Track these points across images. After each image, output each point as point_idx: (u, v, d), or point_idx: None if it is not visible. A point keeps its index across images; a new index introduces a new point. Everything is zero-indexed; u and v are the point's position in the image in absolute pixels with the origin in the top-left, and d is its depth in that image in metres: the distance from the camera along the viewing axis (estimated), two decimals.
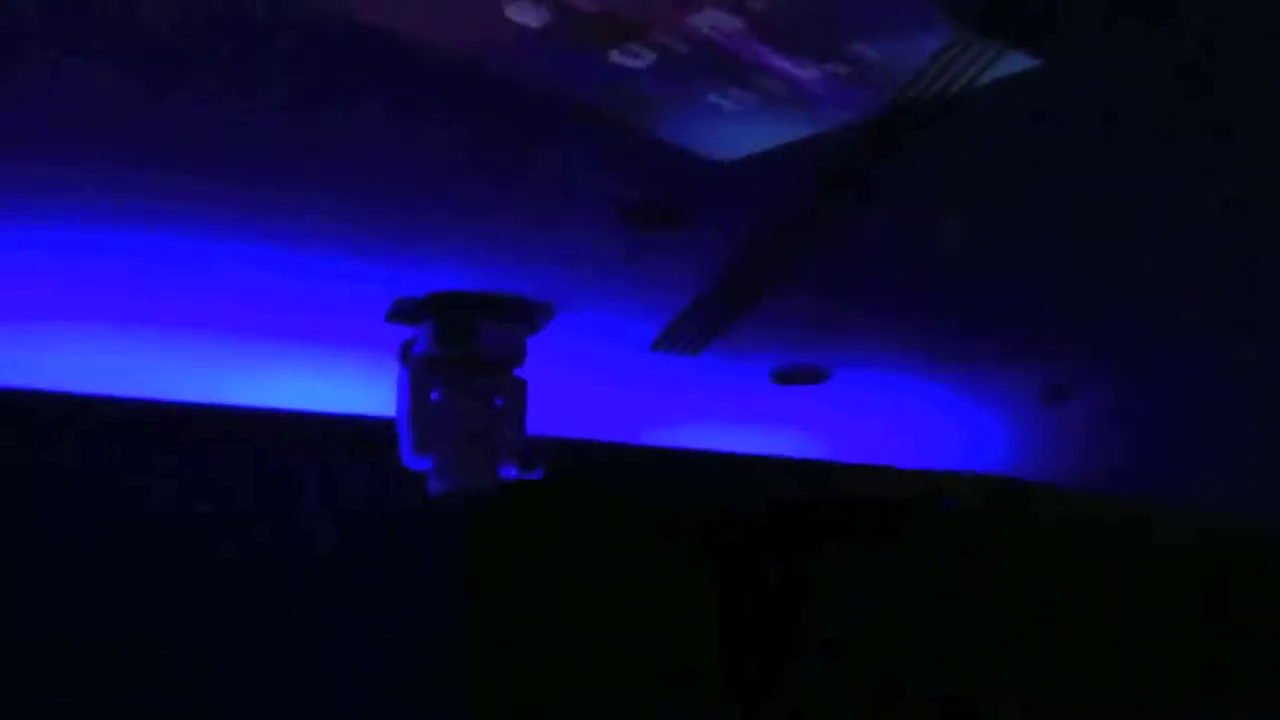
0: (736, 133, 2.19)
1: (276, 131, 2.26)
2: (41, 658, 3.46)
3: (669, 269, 2.81)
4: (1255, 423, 3.68)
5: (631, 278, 2.88)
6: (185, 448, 3.57)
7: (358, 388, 3.31)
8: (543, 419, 3.21)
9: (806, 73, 1.99)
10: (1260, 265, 2.85)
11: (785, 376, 3.46)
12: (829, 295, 3.00)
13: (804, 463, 4.01)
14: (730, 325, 3.11)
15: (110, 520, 3.54)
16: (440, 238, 2.73)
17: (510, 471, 3.21)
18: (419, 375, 3.12)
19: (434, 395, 3.14)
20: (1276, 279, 2.88)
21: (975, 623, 4.35)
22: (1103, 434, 3.79)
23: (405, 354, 3.13)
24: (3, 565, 3.45)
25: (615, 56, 1.96)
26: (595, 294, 3.00)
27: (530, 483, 3.24)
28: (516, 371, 3.19)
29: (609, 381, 3.52)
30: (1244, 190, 2.52)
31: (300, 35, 1.95)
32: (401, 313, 3.06)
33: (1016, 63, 1.97)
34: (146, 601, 3.57)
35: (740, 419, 3.77)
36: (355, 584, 3.76)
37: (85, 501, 3.54)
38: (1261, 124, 2.25)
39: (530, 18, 1.85)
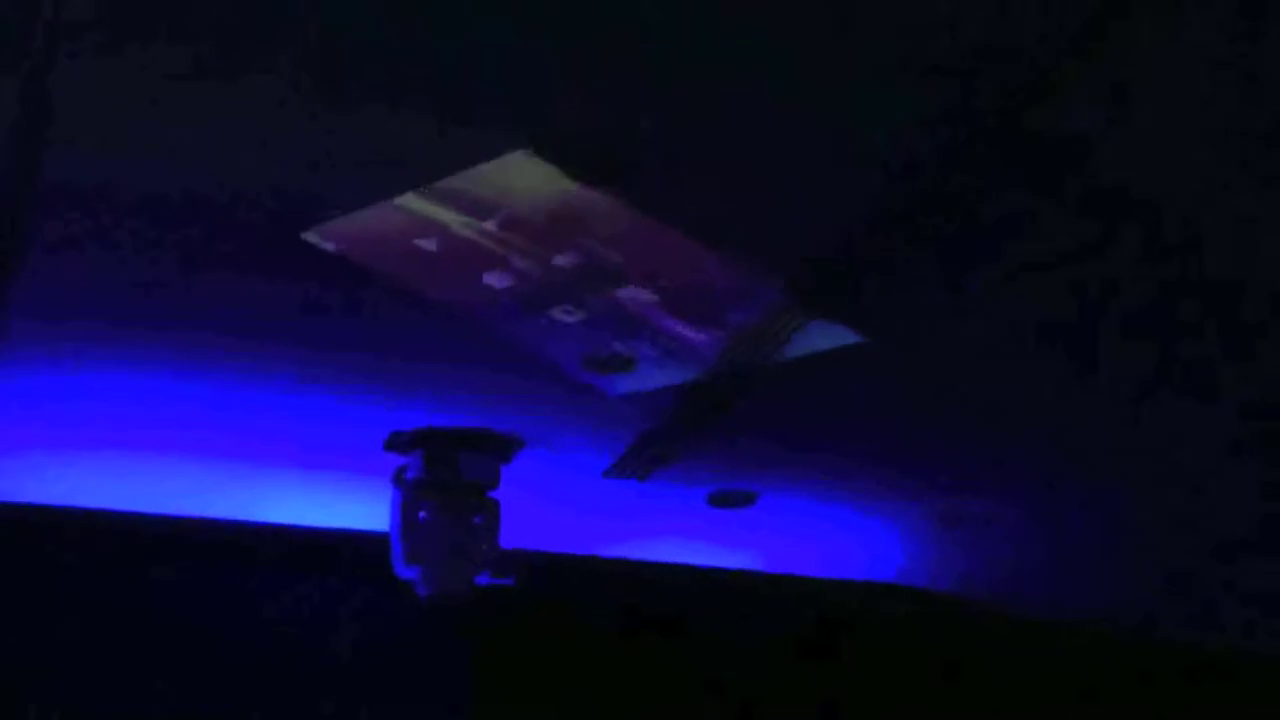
0: (648, 373, 2.75)
1: (291, 313, 2.66)
2: None
3: (618, 413, 3.09)
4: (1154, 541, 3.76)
5: (586, 419, 3.15)
6: (214, 557, 3.75)
7: (361, 507, 3.55)
8: (513, 535, 3.42)
9: (696, 334, 2.54)
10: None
11: (719, 499, 3.62)
12: (754, 434, 3.24)
13: (735, 572, 4.11)
14: (671, 457, 3.33)
15: (146, 625, 3.70)
16: (428, 387, 3.06)
17: (485, 578, 3.39)
18: (409, 497, 3.32)
19: (421, 514, 3.32)
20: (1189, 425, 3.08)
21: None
22: (1001, 552, 3.93)
23: (398, 478, 3.35)
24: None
25: (554, 312, 2.51)
26: (556, 431, 3.26)
27: (505, 589, 3.42)
28: (491, 494, 3.36)
29: (569, 503, 3.69)
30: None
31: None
32: (395, 444, 3.29)
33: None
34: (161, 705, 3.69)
35: (681, 535, 3.93)
36: (364, 677, 3.88)
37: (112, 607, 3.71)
38: None
39: (499, 281, 2.36)
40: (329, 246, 2.31)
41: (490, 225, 2.27)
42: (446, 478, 3.31)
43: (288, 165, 2.17)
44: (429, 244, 2.33)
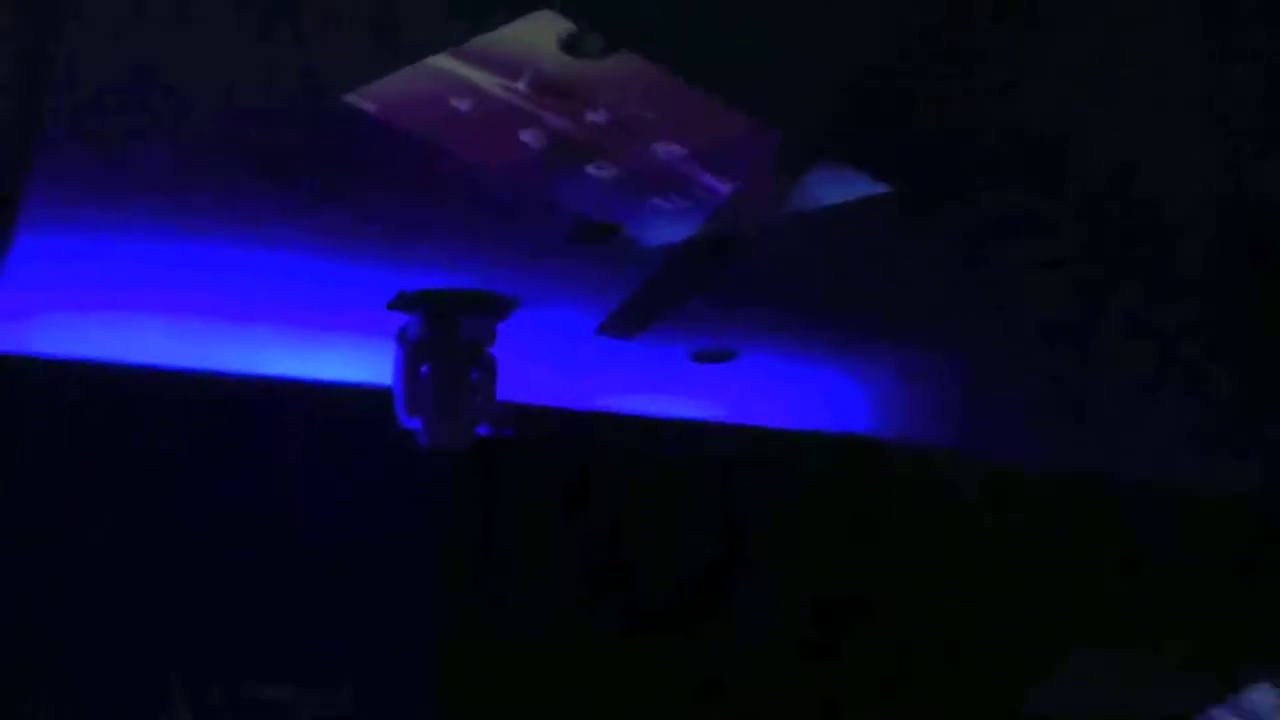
0: (668, 226, 2.85)
1: (301, 183, 2.77)
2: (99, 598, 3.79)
3: (609, 275, 3.21)
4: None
5: (579, 281, 3.27)
6: (229, 408, 3.90)
7: (364, 362, 3.68)
8: (509, 389, 3.58)
9: (722, 185, 2.66)
10: None
11: (701, 356, 3.77)
12: (735, 296, 3.37)
13: (717, 424, 4.28)
14: (658, 317, 3.46)
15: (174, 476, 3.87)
16: (429, 251, 3.17)
17: (483, 430, 3.56)
18: (411, 354, 3.46)
19: (423, 370, 3.46)
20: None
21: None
22: (958, 403, 4.03)
23: (401, 337, 3.48)
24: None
25: (589, 169, 2.58)
26: (550, 291, 3.36)
27: (502, 440, 3.62)
28: (488, 350, 3.51)
29: (562, 359, 3.82)
30: None
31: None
32: (398, 304, 3.41)
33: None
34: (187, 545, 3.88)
35: (666, 390, 4.09)
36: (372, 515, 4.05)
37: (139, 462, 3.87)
38: None
39: (534, 139, 2.45)
40: (361, 105, 2.36)
41: (515, 85, 2.31)
42: (446, 336, 3.45)
43: (308, 40, 2.23)
44: (452, 104, 2.37)
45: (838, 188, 2.74)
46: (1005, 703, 4.28)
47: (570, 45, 2.24)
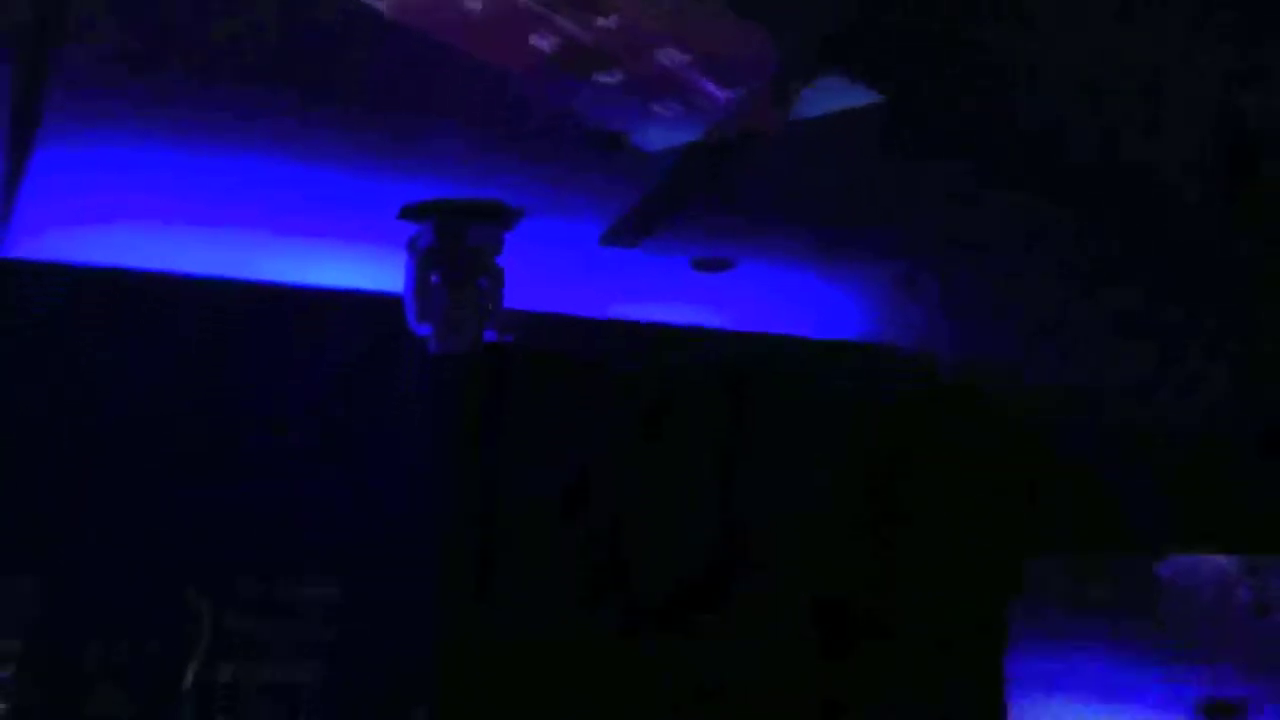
0: (671, 133, 2.93)
1: (315, 97, 2.83)
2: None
3: (613, 185, 3.28)
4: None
5: (584, 191, 3.33)
6: (250, 314, 4.02)
7: (379, 270, 3.79)
8: (516, 297, 3.67)
9: (723, 93, 2.75)
10: None
11: (701, 265, 3.85)
12: (733, 206, 3.44)
13: (711, 330, 4.37)
14: (660, 226, 3.53)
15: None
16: (438, 163, 3.23)
17: (491, 336, 3.66)
18: (422, 262, 3.53)
19: (433, 278, 3.53)
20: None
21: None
22: (945, 311, 4.15)
23: (412, 246, 3.55)
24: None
25: (596, 75, 2.65)
26: (556, 201, 3.42)
27: (509, 345, 3.75)
28: (496, 259, 3.58)
29: (567, 268, 3.89)
30: None
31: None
32: (409, 215, 3.49)
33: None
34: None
35: (667, 298, 4.17)
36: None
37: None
38: None
39: (545, 44, 2.51)
40: (373, 4, 2.39)
41: None
42: (455, 245, 3.52)
43: None
44: (463, 6, 2.40)
45: (835, 98, 2.80)
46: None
47: None
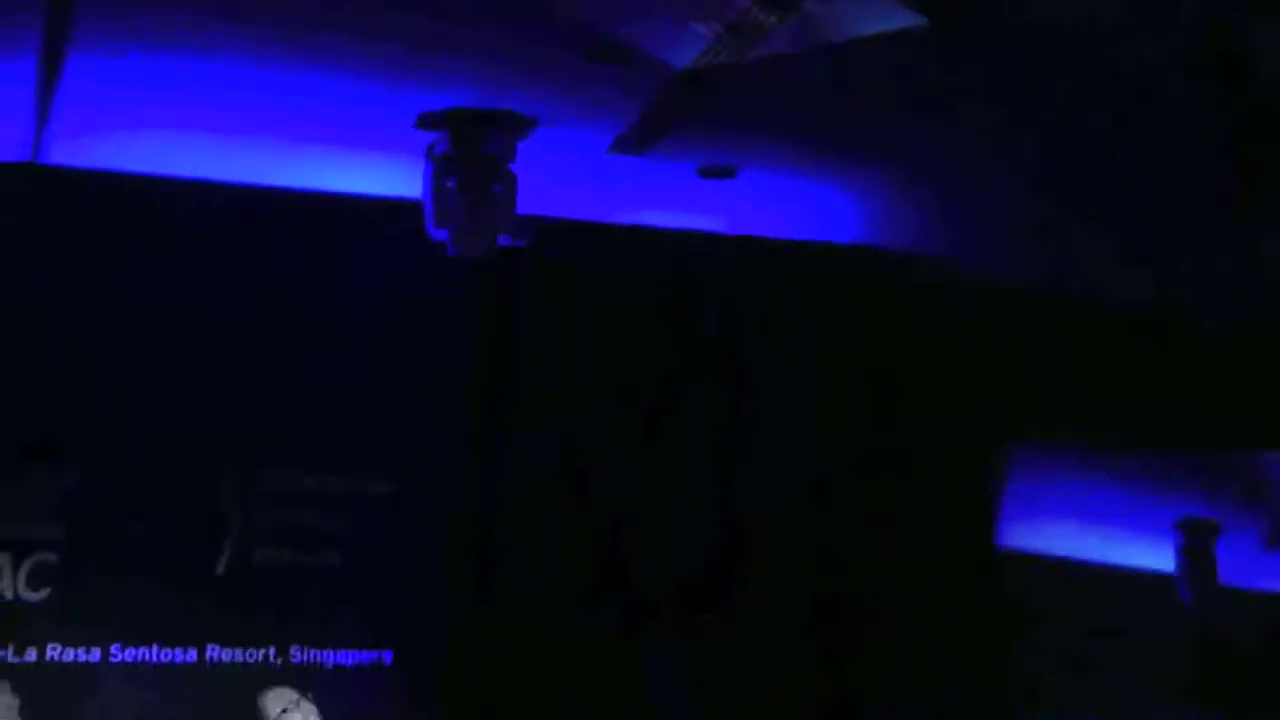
0: (679, 44, 3.04)
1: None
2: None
3: (621, 95, 3.40)
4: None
5: (593, 100, 3.44)
6: (274, 219, 4.12)
7: (397, 176, 3.88)
8: (529, 203, 3.77)
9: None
10: None
11: (706, 172, 3.96)
12: (737, 114, 3.54)
13: (715, 235, 4.48)
14: (666, 134, 3.63)
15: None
16: (454, 72, 3.34)
17: (504, 240, 3.74)
18: (439, 169, 3.64)
19: (449, 184, 3.64)
20: None
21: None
22: (936, 218, 4.27)
23: (430, 153, 3.65)
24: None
25: None
26: (567, 111, 3.53)
27: (521, 250, 3.81)
28: (510, 166, 3.68)
29: (577, 175, 4.01)
30: None
31: None
32: (426, 123, 3.60)
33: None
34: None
35: (673, 205, 4.29)
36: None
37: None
38: None
39: None
40: None
41: None
42: (470, 151, 3.62)
43: None
44: None
45: (868, 22, 2.93)
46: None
47: None
